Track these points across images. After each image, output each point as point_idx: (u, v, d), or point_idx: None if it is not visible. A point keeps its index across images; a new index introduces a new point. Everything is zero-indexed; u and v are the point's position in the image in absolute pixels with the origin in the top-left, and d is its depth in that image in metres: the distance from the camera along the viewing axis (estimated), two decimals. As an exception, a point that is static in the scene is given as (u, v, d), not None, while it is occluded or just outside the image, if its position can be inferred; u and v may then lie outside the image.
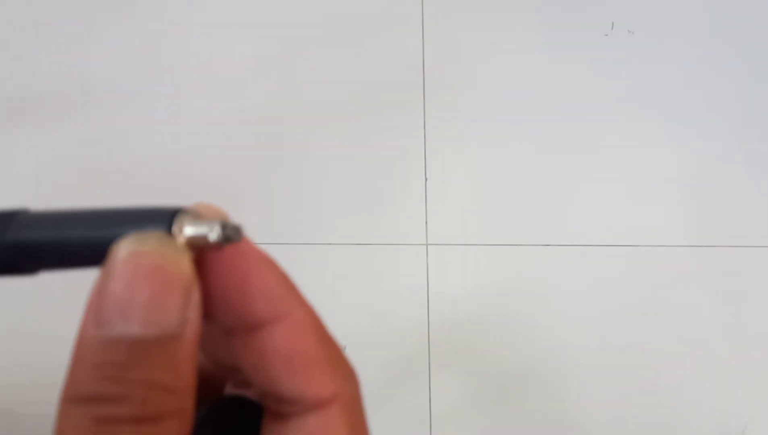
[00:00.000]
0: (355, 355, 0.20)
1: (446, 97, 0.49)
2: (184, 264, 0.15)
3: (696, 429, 0.44)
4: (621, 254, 0.46)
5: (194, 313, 0.15)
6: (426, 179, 0.48)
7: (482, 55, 0.50)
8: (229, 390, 0.21)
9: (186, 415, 0.15)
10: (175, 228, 0.15)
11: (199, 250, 0.16)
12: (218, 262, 0.16)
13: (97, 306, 0.14)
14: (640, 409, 0.45)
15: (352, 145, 0.49)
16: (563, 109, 0.49)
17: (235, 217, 0.17)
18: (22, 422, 0.44)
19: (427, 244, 0.46)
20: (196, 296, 0.15)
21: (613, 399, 0.45)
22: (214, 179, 0.48)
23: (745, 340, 0.46)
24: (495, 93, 0.50)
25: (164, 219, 0.15)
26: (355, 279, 0.46)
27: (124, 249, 0.15)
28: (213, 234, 0.15)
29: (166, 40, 0.51)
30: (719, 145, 0.49)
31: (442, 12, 0.51)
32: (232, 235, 0.15)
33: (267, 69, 0.50)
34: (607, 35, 0.50)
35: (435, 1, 0.51)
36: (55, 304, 0.45)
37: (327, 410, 0.17)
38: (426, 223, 0.47)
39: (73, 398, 0.14)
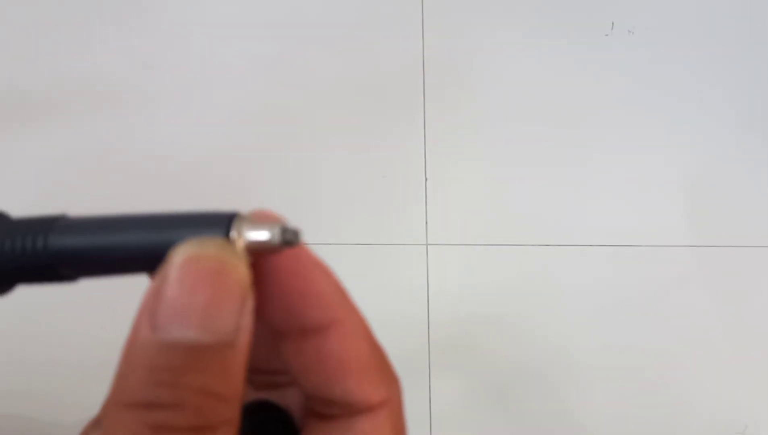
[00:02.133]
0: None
1: (446, 97, 0.49)
2: (243, 270, 0.15)
3: (696, 429, 0.44)
4: (622, 254, 0.46)
5: (248, 320, 0.15)
6: (426, 179, 0.48)
7: (482, 55, 0.50)
8: (249, 392, 0.21)
9: (235, 424, 0.15)
10: (233, 232, 0.15)
11: (257, 254, 0.15)
12: (276, 266, 0.16)
13: (153, 309, 0.14)
14: (641, 409, 0.45)
15: (351, 145, 0.49)
16: (563, 109, 0.49)
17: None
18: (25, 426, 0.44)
19: (427, 245, 0.46)
20: (250, 303, 0.15)
21: (614, 399, 0.45)
22: (215, 179, 0.48)
23: (745, 340, 0.46)
24: (494, 93, 0.50)
25: (222, 223, 0.15)
26: (353, 279, 0.45)
27: (183, 252, 0.14)
28: (273, 238, 0.15)
29: (168, 39, 0.51)
30: (721, 145, 0.49)
31: (442, 11, 0.51)
32: (292, 238, 0.15)
33: (267, 69, 0.50)
34: (607, 35, 0.50)
35: (435, 0, 0.51)
36: (55, 303, 0.45)
37: (376, 414, 0.17)
38: (426, 223, 0.47)
39: (126, 403, 0.14)
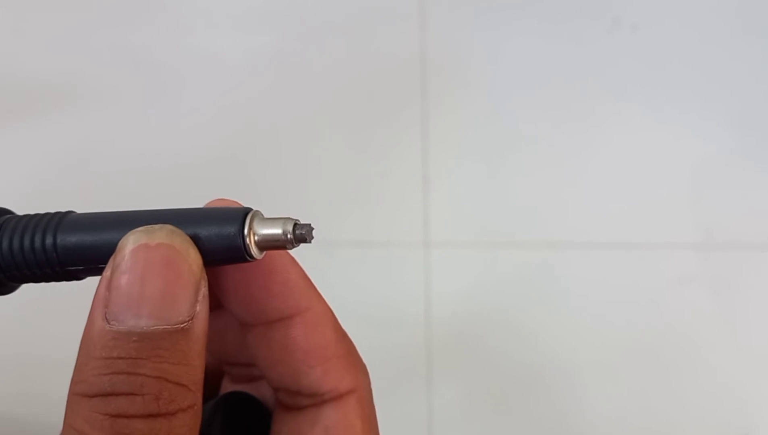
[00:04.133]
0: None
1: (448, 94, 0.49)
2: (194, 256, 0.15)
3: (697, 434, 0.44)
4: (624, 253, 0.46)
5: (204, 306, 0.15)
6: (426, 177, 0.47)
7: (483, 50, 0.50)
8: (226, 385, 0.21)
9: (197, 410, 0.15)
10: (246, 228, 0.15)
11: (270, 250, 0.16)
12: None
13: (107, 300, 0.14)
14: (642, 413, 0.44)
15: (347, 143, 0.48)
16: (567, 106, 0.49)
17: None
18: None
19: (427, 245, 0.46)
20: (205, 289, 0.15)
21: (616, 401, 0.44)
22: (206, 175, 0.47)
23: (747, 343, 0.45)
24: (496, 88, 0.49)
25: (235, 219, 0.15)
26: (352, 280, 0.45)
27: (134, 241, 0.14)
28: (286, 234, 0.15)
29: (159, 33, 0.50)
30: (727, 144, 0.48)
31: (443, 6, 0.51)
32: (305, 235, 0.15)
33: (261, 64, 0.50)
34: (611, 31, 0.50)
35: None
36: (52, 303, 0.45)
37: (344, 403, 0.17)
38: (426, 222, 0.46)
39: (84, 393, 0.14)
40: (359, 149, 0.48)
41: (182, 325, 0.14)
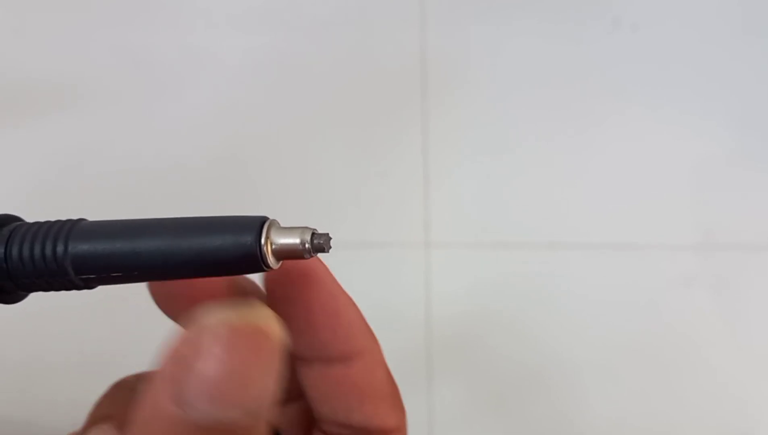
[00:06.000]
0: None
1: (449, 94, 0.49)
2: (277, 334, 0.14)
3: (698, 434, 0.44)
4: (626, 255, 0.46)
5: (275, 386, 0.14)
6: (426, 177, 0.47)
7: (483, 50, 0.50)
8: None
9: None
10: (263, 237, 0.15)
11: (286, 259, 0.15)
12: (306, 297, 0.17)
13: (181, 381, 0.13)
14: (642, 414, 0.44)
15: (347, 143, 0.48)
16: (567, 106, 0.49)
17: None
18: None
19: (427, 245, 0.46)
20: (280, 370, 0.14)
21: (617, 402, 0.44)
22: (206, 176, 0.47)
23: (749, 343, 0.45)
24: (496, 88, 0.49)
25: (252, 228, 0.15)
26: (351, 281, 0.45)
27: (217, 320, 0.13)
28: (304, 243, 0.15)
29: (159, 33, 0.50)
30: (727, 144, 0.48)
31: (443, 6, 0.50)
32: (323, 244, 0.15)
33: (260, 64, 0.50)
34: (611, 31, 0.50)
35: (436, -2, 0.50)
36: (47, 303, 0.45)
37: None
38: (426, 222, 0.46)
39: None
40: (359, 149, 0.48)
41: (258, 411, 0.13)
